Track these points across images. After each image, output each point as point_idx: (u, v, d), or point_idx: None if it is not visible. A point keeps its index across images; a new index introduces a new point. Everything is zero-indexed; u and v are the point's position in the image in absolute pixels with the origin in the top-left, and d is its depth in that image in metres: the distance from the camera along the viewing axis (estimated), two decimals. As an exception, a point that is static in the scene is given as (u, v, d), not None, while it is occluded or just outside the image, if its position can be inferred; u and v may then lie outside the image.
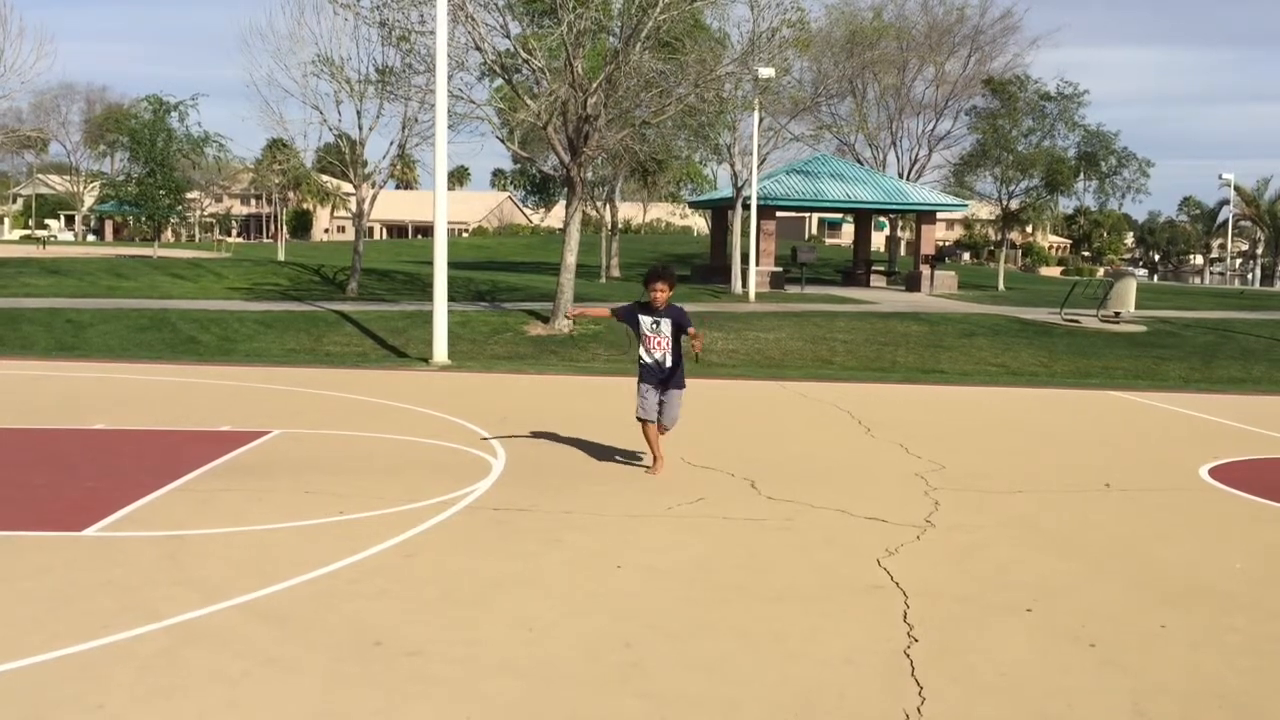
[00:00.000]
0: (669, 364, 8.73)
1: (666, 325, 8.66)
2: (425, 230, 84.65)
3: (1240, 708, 4.64)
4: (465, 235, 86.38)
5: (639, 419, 8.92)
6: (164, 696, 4.41)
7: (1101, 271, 60.60)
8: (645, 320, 8.71)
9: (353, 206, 32.98)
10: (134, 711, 4.26)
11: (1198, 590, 6.31)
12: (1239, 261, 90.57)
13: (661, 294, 8.62)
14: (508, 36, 21.86)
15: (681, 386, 8.90)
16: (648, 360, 8.78)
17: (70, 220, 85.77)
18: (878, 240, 58.71)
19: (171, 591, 5.69)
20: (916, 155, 45.31)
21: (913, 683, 4.76)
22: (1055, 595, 6.11)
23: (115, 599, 5.55)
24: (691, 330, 8.70)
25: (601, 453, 9.78)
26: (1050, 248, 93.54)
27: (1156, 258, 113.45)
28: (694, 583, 6.18)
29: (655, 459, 9.00)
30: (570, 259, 22.08)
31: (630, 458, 9.54)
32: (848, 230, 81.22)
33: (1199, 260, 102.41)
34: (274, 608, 5.50)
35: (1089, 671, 5.00)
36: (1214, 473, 9.83)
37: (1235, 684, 4.91)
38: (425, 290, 23.74)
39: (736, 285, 31.58)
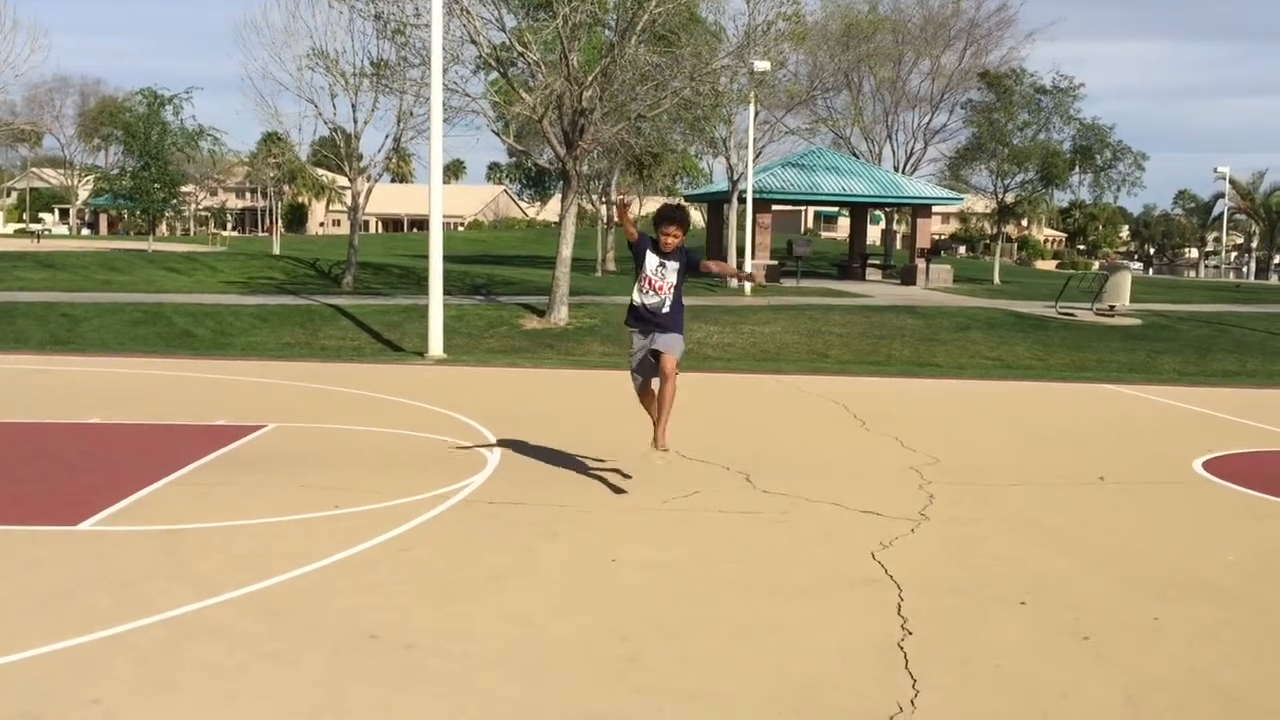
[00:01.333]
0: (665, 310, 7.80)
1: (673, 272, 7.78)
2: (421, 224, 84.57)
3: (1233, 701, 4.66)
4: (461, 229, 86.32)
5: (635, 386, 8.22)
6: (161, 690, 4.41)
7: (1096, 265, 60.65)
8: (651, 261, 7.76)
9: (348, 200, 32.94)
10: (131, 705, 4.27)
11: (1192, 584, 6.34)
12: (1234, 255, 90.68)
13: (674, 239, 7.74)
14: (503, 30, 21.85)
15: (679, 332, 7.90)
16: (640, 300, 7.82)
17: (65, 214, 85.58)
18: (873, 234, 58.71)
19: (167, 586, 5.69)
20: (912, 149, 45.38)
21: (907, 675, 4.78)
22: (1049, 588, 6.13)
23: (111, 593, 5.55)
24: (726, 269, 8.40)
25: (597, 446, 9.78)
26: (1045, 241, 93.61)
27: (1152, 251, 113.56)
28: (689, 577, 6.19)
29: (655, 429, 7.99)
30: (565, 252, 22.08)
31: (627, 451, 9.53)
32: (843, 224, 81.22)
33: (1194, 254, 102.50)
34: (270, 602, 5.51)
35: (1083, 664, 5.02)
36: (1208, 466, 9.86)
37: (1229, 677, 4.93)
38: (421, 284, 23.73)
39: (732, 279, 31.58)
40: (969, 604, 5.83)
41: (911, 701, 4.50)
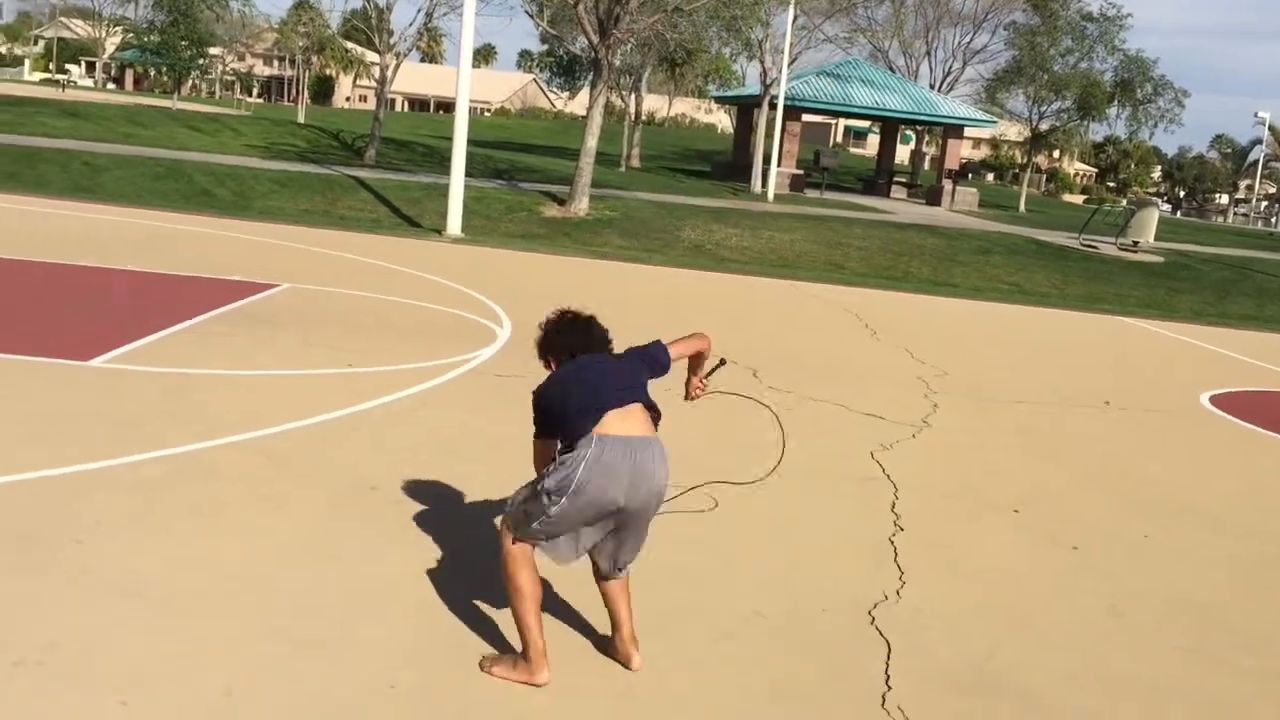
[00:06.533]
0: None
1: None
2: (447, 106, 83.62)
3: (1207, 617, 4.72)
4: (487, 114, 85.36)
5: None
6: (157, 518, 4.48)
7: (1124, 201, 59.96)
8: None
9: (376, 75, 32.51)
10: (126, 531, 4.34)
11: (1184, 507, 6.38)
12: (1263, 205, 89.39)
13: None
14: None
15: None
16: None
17: (90, 66, 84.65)
18: (902, 154, 57.91)
19: (171, 424, 5.75)
20: (950, 68, 44.40)
21: (895, 568, 4.84)
22: (1043, 500, 6.18)
23: (115, 427, 5.62)
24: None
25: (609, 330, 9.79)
26: (1075, 175, 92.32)
27: (1182, 194, 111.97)
28: (687, 461, 6.23)
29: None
30: (591, 143, 21.81)
31: (637, 337, 9.53)
32: (872, 141, 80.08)
33: (1224, 200, 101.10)
34: (273, 447, 5.57)
35: (1069, 573, 5.07)
36: (1214, 400, 9.86)
37: (1206, 595, 4.99)
38: (443, 163, 23.52)
39: (756, 185, 31.25)
40: (963, 508, 5.88)
41: (897, 592, 4.57)
